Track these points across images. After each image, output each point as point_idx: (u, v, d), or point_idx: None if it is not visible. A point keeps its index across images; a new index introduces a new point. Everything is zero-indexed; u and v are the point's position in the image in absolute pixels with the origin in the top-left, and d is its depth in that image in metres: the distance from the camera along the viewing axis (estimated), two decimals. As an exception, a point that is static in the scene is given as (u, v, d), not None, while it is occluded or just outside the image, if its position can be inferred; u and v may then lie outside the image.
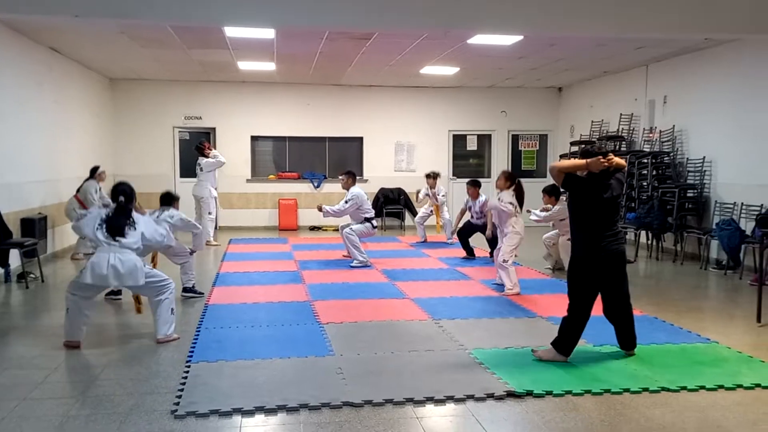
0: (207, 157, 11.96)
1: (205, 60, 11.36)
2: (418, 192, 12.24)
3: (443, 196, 12.07)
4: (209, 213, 11.80)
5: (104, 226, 5.26)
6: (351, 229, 9.46)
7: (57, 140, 10.47)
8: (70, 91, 11.27)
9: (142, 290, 5.55)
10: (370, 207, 9.86)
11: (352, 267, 9.24)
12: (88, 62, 11.66)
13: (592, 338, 5.59)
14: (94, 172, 10.34)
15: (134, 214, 5.42)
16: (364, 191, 9.76)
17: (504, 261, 7.55)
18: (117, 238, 5.24)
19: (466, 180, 11.25)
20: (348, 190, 9.55)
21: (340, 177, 9.92)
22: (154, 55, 10.82)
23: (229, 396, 4.25)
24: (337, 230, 13.21)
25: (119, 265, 5.18)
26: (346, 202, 9.45)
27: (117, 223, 5.28)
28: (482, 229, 9.93)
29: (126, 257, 5.23)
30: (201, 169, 11.95)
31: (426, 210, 12.31)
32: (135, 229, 5.34)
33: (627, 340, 5.17)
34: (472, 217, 10.48)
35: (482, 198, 10.43)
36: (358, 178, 13.40)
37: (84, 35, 9.43)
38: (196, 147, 12.26)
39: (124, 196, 5.36)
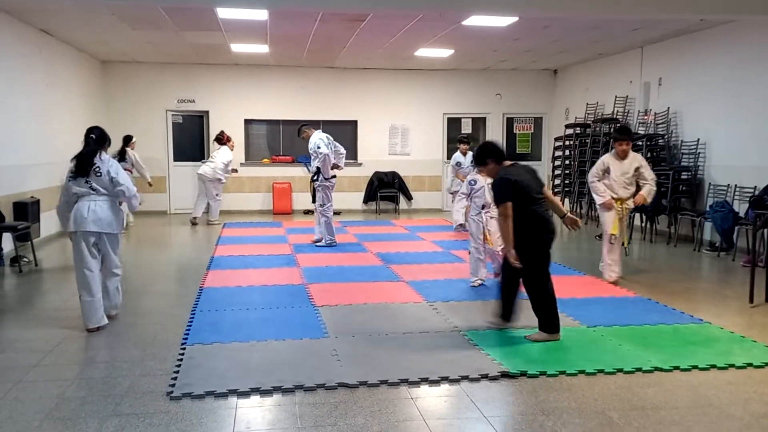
0: (228, 147, 12.54)
1: (197, 42, 11.27)
2: (457, 166, 10.69)
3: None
4: (216, 195, 12.52)
5: (74, 161, 5.47)
6: (326, 208, 9.48)
7: (48, 123, 10.39)
8: (61, 74, 11.17)
9: (111, 245, 5.54)
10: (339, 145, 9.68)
11: (318, 246, 9.49)
12: (79, 44, 11.55)
13: (586, 319, 5.63)
14: (128, 141, 11.60)
15: (102, 156, 5.52)
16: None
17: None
18: (88, 181, 5.39)
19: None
20: (309, 139, 9.49)
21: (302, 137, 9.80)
22: (145, 37, 10.72)
23: (225, 377, 4.26)
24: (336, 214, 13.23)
25: (98, 210, 5.36)
26: (318, 151, 9.25)
27: (85, 161, 5.43)
28: None
29: (103, 206, 5.40)
30: (212, 158, 12.55)
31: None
32: (101, 168, 5.44)
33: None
34: None
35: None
36: (352, 161, 13.43)
37: (74, 17, 9.32)
38: (216, 138, 12.76)
39: (94, 135, 5.55)
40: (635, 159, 7.09)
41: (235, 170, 13.13)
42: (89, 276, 5.37)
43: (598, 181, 7.10)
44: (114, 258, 5.59)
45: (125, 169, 8.63)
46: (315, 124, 14.33)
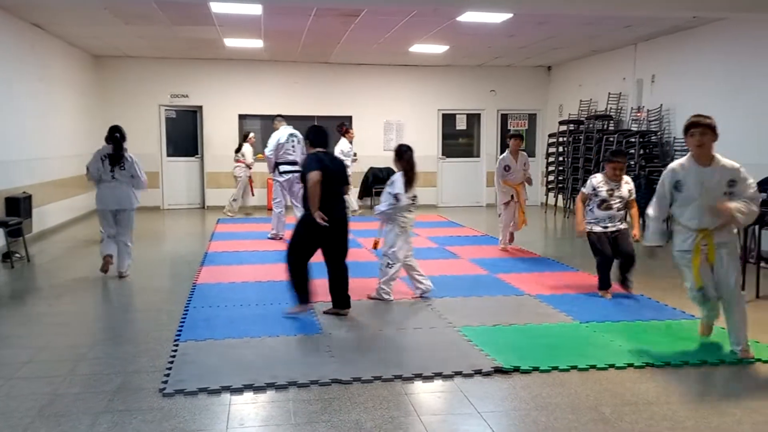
0: (347, 139, 12.52)
1: (191, 37, 11.22)
2: (506, 168, 8.85)
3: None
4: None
5: (107, 159, 7.04)
6: (275, 203, 9.83)
7: (41, 118, 10.33)
8: (54, 69, 11.11)
9: (127, 220, 7.21)
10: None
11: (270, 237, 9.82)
12: (71, 39, 11.48)
13: (578, 315, 5.65)
14: (246, 137, 12.92)
15: (126, 154, 7.14)
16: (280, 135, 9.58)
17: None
18: (114, 169, 7.02)
19: (457, 159, 11.11)
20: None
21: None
22: (138, 31, 10.67)
23: (218, 374, 4.26)
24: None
25: (118, 192, 7.08)
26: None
27: (117, 155, 7.08)
28: None
29: (122, 188, 7.10)
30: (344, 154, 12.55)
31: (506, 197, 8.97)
32: (127, 162, 7.09)
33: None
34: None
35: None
36: (346, 157, 13.35)
37: (67, 11, 9.27)
38: (338, 130, 12.57)
39: (119, 134, 7.09)
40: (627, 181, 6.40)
41: (355, 158, 12.91)
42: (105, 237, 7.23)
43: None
44: (129, 222, 7.24)
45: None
46: (309, 120, 14.38)
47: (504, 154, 8.98)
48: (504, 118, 15.37)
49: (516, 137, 8.92)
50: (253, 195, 13.55)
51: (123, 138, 7.12)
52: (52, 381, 4.16)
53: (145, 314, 5.87)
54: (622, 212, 6.37)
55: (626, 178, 6.41)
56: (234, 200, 12.85)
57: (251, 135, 13.17)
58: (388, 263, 6.16)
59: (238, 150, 12.98)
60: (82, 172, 11.77)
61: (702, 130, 4.63)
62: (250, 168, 13.02)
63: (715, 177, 4.64)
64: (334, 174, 5.56)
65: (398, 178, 6.14)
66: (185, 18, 9.65)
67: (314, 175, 5.34)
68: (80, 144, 12.19)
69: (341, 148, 12.27)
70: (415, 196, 6.21)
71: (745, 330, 4.57)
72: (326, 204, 5.40)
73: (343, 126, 12.68)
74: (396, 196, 6.08)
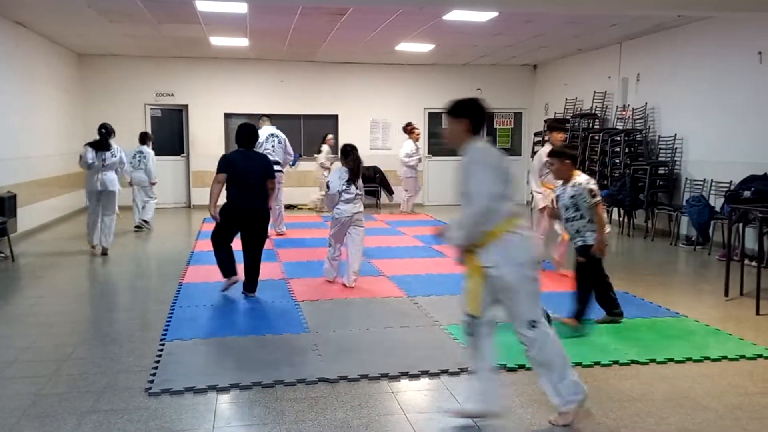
0: (412, 138, 12.90)
1: (176, 35, 11.16)
2: (548, 165, 6.22)
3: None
4: (406, 189, 13.29)
5: (94, 147, 8.37)
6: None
7: (25, 117, 10.24)
8: (38, 67, 11.01)
9: (110, 200, 8.53)
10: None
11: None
12: (55, 37, 11.38)
13: (564, 313, 5.67)
14: (324, 139, 13.30)
15: (113, 144, 8.55)
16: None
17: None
18: (103, 154, 8.35)
19: (443, 158, 11.02)
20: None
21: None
22: (123, 29, 10.59)
23: (204, 373, 4.25)
24: (313, 209, 13.31)
25: (104, 178, 8.42)
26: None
27: (103, 142, 8.43)
28: None
29: (108, 174, 8.46)
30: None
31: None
32: (112, 150, 8.48)
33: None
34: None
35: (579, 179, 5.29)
36: (333, 156, 13.34)
37: (51, 9, 9.19)
38: (404, 130, 13.07)
39: (105, 129, 8.51)
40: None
41: (419, 159, 13.24)
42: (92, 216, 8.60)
43: None
44: (111, 203, 8.57)
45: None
46: (296, 119, 14.38)
47: (544, 148, 6.98)
48: (490, 117, 15.40)
49: (559, 130, 7.03)
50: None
51: (108, 133, 8.50)
52: (36, 381, 4.13)
53: (130, 313, 5.84)
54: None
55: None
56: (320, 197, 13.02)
57: (330, 136, 13.39)
58: (330, 243, 6.80)
59: (318, 152, 13.26)
60: (67, 171, 11.80)
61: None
62: (324, 168, 13.00)
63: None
64: (248, 171, 6.08)
65: (336, 170, 6.69)
66: (170, 16, 9.60)
67: (216, 177, 6.08)
68: (65, 143, 12.10)
69: (405, 150, 12.34)
70: (357, 190, 6.57)
71: None
72: (235, 198, 6.09)
73: (409, 125, 12.79)
74: (327, 184, 6.67)
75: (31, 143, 10.40)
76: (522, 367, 4.37)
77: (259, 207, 6.16)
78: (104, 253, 8.37)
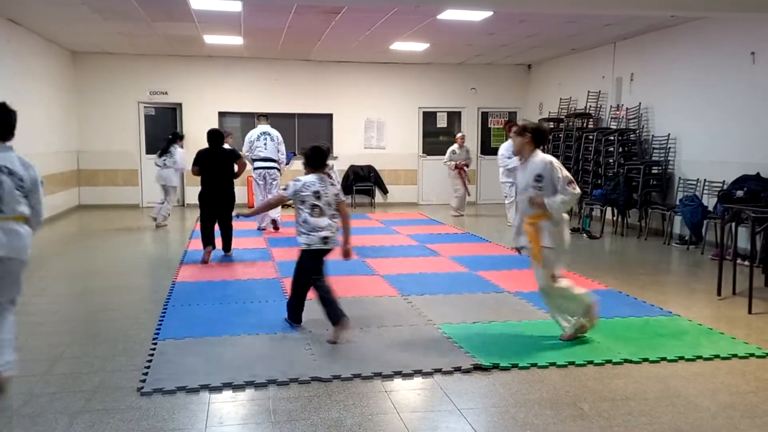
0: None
1: (170, 33, 11.12)
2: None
3: None
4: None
5: (159, 152, 10.84)
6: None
7: (18, 115, 10.15)
8: (31, 65, 10.95)
9: (169, 189, 10.89)
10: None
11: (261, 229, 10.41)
12: (49, 35, 11.33)
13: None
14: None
15: (172, 148, 10.78)
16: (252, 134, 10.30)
17: None
18: (164, 156, 10.71)
19: (438, 157, 10.96)
20: None
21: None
22: (117, 27, 10.55)
23: (197, 373, 4.23)
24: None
25: (163, 173, 10.72)
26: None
27: (165, 147, 10.73)
28: None
29: (166, 171, 10.71)
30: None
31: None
32: (172, 153, 10.71)
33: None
34: None
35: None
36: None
37: (44, 6, 9.14)
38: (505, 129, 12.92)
39: (173, 135, 10.98)
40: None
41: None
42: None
43: None
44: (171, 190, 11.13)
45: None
46: (290, 118, 14.36)
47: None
48: (485, 116, 15.43)
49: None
50: (468, 193, 13.13)
51: (174, 138, 11.03)
52: (28, 381, 4.11)
53: (123, 313, 5.81)
54: None
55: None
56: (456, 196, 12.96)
57: (460, 134, 13.12)
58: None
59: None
60: (60, 170, 11.76)
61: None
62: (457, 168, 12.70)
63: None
64: (215, 165, 7.95)
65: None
66: (164, 14, 9.56)
67: (193, 169, 8.10)
68: (58, 141, 12.04)
69: (501, 152, 10.87)
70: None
71: None
72: (206, 187, 7.97)
73: (511, 123, 12.23)
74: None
75: (24, 141, 10.28)
76: (516, 366, 4.38)
77: (224, 194, 8.04)
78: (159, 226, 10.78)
